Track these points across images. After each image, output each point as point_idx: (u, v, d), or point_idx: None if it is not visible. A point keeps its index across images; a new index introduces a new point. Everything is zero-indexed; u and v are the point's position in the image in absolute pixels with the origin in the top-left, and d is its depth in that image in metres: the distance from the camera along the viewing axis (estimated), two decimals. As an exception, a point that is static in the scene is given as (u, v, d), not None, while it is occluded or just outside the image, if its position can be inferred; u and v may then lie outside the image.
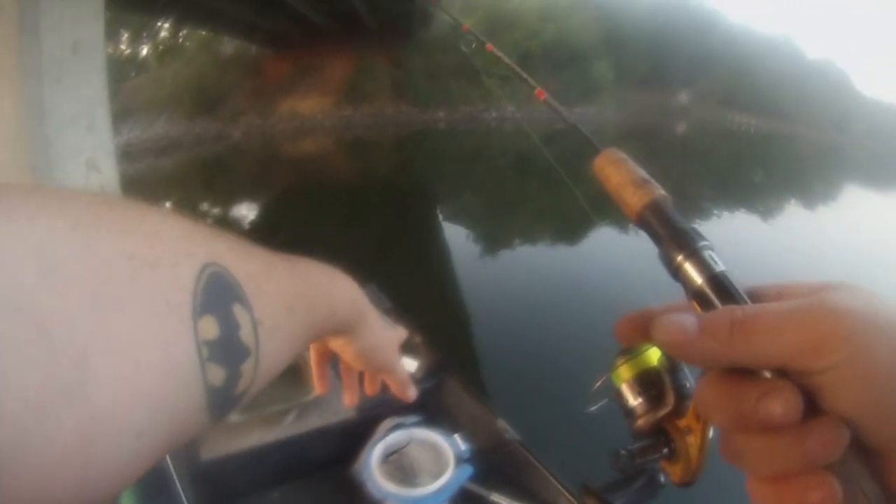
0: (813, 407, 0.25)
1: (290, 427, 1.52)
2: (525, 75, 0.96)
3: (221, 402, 0.25)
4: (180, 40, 24.17)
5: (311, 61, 21.27)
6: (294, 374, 1.58)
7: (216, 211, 9.78)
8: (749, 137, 28.53)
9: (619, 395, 0.36)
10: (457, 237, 8.12)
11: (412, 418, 1.54)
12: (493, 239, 7.72)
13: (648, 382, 0.35)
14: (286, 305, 0.33)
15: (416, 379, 1.69)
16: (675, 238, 0.32)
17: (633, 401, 0.35)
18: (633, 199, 0.35)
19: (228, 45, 23.34)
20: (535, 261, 6.82)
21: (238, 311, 0.27)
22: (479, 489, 1.36)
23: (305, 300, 0.36)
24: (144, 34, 23.34)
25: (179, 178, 13.26)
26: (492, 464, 1.45)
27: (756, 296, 0.29)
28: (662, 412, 0.34)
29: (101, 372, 0.19)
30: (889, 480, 0.24)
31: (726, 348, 0.26)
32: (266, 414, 1.53)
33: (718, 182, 14.82)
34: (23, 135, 3.43)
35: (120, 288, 0.21)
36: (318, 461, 1.49)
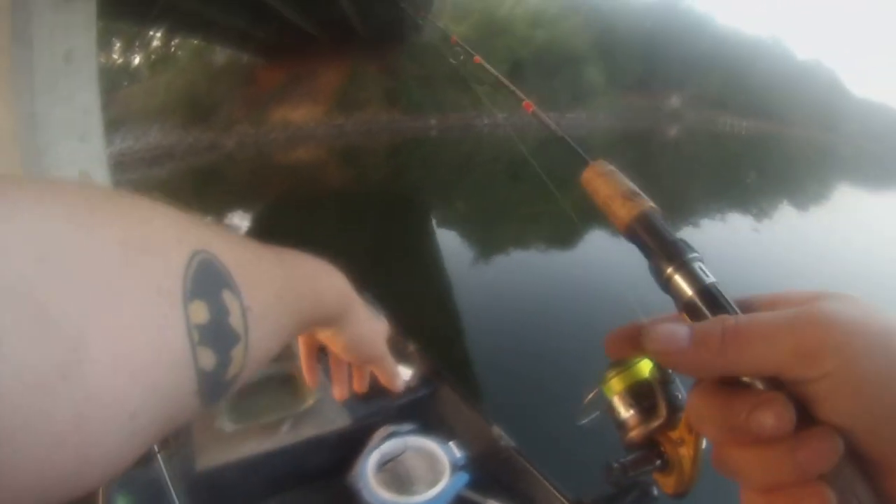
0: (806, 416, 0.24)
1: (285, 436, 1.51)
2: (513, 87, 0.96)
3: (212, 386, 0.25)
4: (173, 49, 24.27)
5: (304, 70, 21.30)
6: (289, 384, 1.58)
7: (209, 220, 9.72)
8: (741, 139, 28.71)
9: (610, 408, 0.36)
10: (450, 244, 8.12)
11: (407, 426, 1.53)
12: (486, 245, 7.71)
13: (640, 394, 0.35)
14: (274, 293, 0.33)
15: (411, 387, 1.69)
16: (664, 250, 0.32)
17: (625, 413, 0.35)
18: (622, 212, 0.35)
19: (221, 55, 23.38)
20: (528, 267, 6.81)
21: (227, 296, 0.27)
22: (474, 496, 1.36)
23: (294, 289, 0.37)
24: (137, 43, 23.41)
25: (172, 187, 13.20)
26: (487, 471, 1.44)
27: (747, 306, 0.29)
28: (654, 424, 0.34)
29: (96, 353, 0.19)
30: (884, 488, 0.24)
31: (718, 357, 0.26)
32: (261, 423, 1.52)
33: (711, 184, 14.88)
34: (15, 144, 3.42)
35: (114, 273, 0.21)
36: (314, 470, 1.48)
